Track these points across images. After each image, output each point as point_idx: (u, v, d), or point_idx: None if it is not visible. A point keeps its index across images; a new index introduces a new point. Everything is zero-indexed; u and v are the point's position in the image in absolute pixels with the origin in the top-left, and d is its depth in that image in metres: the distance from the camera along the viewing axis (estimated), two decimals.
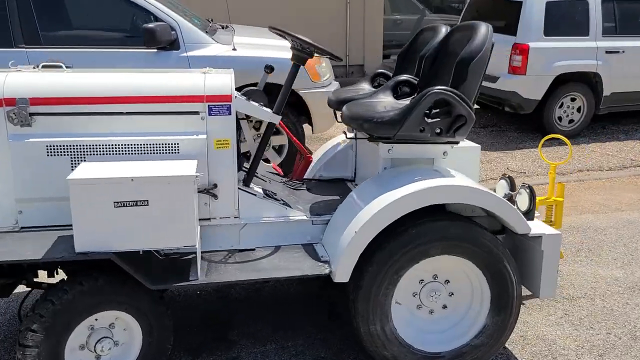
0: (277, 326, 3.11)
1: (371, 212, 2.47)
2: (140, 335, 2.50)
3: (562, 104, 6.81)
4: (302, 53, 2.75)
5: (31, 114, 2.49)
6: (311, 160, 3.29)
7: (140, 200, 2.29)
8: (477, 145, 2.95)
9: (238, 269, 2.54)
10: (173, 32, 4.91)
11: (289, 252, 2.71)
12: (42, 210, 2.52)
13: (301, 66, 2.82)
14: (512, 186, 2.87)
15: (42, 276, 2.67)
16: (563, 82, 6.67)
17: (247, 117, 2.95)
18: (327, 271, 2.51)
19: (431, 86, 2.57)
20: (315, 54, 2.79)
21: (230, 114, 2.65)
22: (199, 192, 2.63)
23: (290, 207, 2.82)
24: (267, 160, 3.16)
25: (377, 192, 2.58)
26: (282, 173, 3.07)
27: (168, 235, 2.34)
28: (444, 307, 2.70)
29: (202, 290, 3.46)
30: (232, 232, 2.75)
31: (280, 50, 5.33)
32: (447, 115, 2.58)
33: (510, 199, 2.82)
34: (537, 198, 3.21)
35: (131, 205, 2.28)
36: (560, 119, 6.88)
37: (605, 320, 3.21)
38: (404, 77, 3.01)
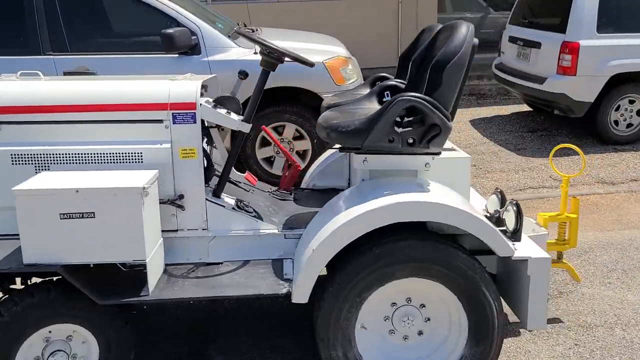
0: (259, 342, 2.98)
1: (330, 228, 2.29)
2: (97, 350, 2.44)
3: (618, 106, 6.25)
4: (270, 58, 2.61)
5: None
6: (300, 170, 3.14)
7: (86, 212, 2.23)
8: (467, 155, 2.69)
9: (195, 284, 2.43)
10: (194, 37, 4.90)
11: (255, 267, 2.58)
12: (7, 219, 2.52)
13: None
14: (502, 202, 2.59)
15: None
16: (619, 83, 6.11)
17: (219, 126, 2.84)
18: (284, 291, 2.35)
19: (416, 91, 2.36)
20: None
21: (195, 122, 2.55)
22: (163, 203, 2.55)
23: (261, 220, 2.68)
24: (242, 170, 3.05)
25: (345, 206, 2.40)
26: (254, 183, 2.93)
27: (116, 249, 2.27)
28: (420, 333, 2.47)
29: (193, 301, 3.39)
30: (200, 245, 2.65)
31: (305, 53, 5.20)
32: (420, 125, 2.35)
33: (499, 217, 2.54)
34: (551, 214, 2.91)
35: (77, 217, 2.23)
36: (616, 122, 6.31)
37: (621, 355, 2.84)
38: (391, 81, 2.80)
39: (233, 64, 5.03)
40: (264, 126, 3.22)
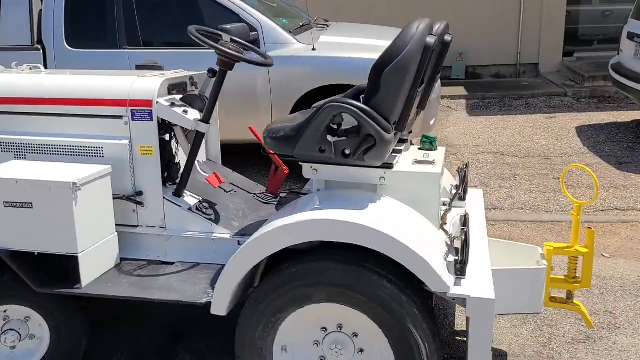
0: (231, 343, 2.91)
1: (248, 242, 2.14)
2: (48, 333, 2.55)
3: None
4: (225, 57, 2.50)
5: None
6: (286, 173, 3.00)
7: (25, 203, 2.33)
8: (436, 171, 2.35)
9: (131, 283, 2.43)
10: (254, 33, 4.93)
11: (200, 272, 2.51)
12: None
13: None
14: (464, 225, 2.23)
15: None
16: None
17: None
18: (204, 300, 2.26)
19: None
20: None
21: (152, 119, 2.54)
22: (119, 198, 2.58)
23: (217, 223, 2.60)
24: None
25: (279, 217, 2.23)
26: (216, 185, 2.84)
27: (51, 240, 2.35)
28: None
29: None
30: (158, 243, 2.66)
31: (366, 51, 5.00)
32: (356, 135, 2.10)
33: (452, 244, 2.20)
34: (558, 246, 2.49)
35: (18, 207, 2.34)
36: None
37: None
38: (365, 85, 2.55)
39: (290, 60, 4.99)
40: (251, 126, 3.12)
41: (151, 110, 2.53)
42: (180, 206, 2.62)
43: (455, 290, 2.02)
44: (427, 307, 2.08)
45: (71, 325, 2.55)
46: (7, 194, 2.33)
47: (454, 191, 2.85)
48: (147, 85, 2.56)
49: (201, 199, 2.73)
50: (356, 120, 2.07)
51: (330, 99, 2.12)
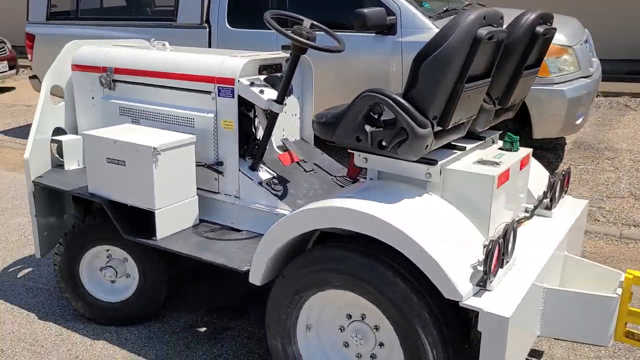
0: None
1: (278, 222, 2.24)
2: (137, 275, 2.95)
3: None
4: (295, 42, 2.58)
5: (114, 81, 3.15)
6: None
7: (120, 160, 2.71)
8: (491, 174, 2.18)
9: (195, 242, 2.69)
10: (392, 17, 4.92)
11: (258, 242, 2.68)
12: None
13: None
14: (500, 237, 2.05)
15: None
16: None
17: None
18: (244, 269, 2.42)
19: None
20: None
21: (233, 97, 2.75)
22: (203, 166, 2.86)
23: (281, 200, 2.74)
24: (285, 149, 3.03)
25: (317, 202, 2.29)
26: (286, 163, 2.93)
27: (135, 194, 2.70)
28: (373, 357, 2.23)
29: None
30: (232, 210, 2.89)
31: None
32: (392, 126, 2.06)
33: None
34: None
35: (115, 163, 2.73)
36: None
37: None
38: None
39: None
40: None
41: (233, 88, 2.74)
42: (252, 179, 2.80)
43: (469, 301, 1.90)
44: (443, 313, 1.99)
45: (154, 272, 2.92)
46: (108, 151, 2.73)
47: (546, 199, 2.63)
48: (233, 64, 2.76)
49: (275, 174, 2.89)
50: (393, 112, 2.03)
51: (369, 88, 2.10)
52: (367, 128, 2.11)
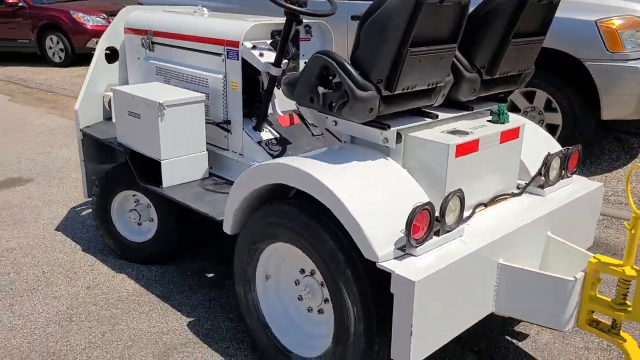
0: None
1: (238, 178, 2.38)
2: (157, 220, 3.28)
3: None
4: (287, 9, 2.66)
5: (152, 43, 3.46)
6: None
7: (136, 113, 3.00)
8: (447, 143, 2.14)
9: (193, 193, 2.92)
10: None
11: None
12: None
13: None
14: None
15: None
16: None
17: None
18: (219, 219, 2.60)
19: None
20: None
21: (238, 59, 2.92)
22: (212, 123, 3.08)
23: (274, 159, 2.88)
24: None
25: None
26: (284, 124, 3.01)
27: (147, 145, 2.99)
28: (320, 312, 2.33)
29: None
30: (237, 167, 3.08)
31: (577, 9, 4.36)
32: (340, 88, 2.10)
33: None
34: (606, 260, 2.09)
35: (133, 116, 3.03)
36: None
37: None
38: None
39: None
40: None
41: (238, 51, 2.90)
42: (253, 138, 2.96)
43: (385, 263, 1.92)
44: (367, 273, 2.02)
45: (168, 219, 3.22)
46: (128, 105, 3.04)
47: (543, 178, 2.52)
48: (239, 28, 2.92)
49: (278, 136, 3.03)
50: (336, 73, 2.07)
51: (319, 50, 2.15)
52: (320, 89, 2.17)
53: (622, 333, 2.16)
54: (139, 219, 3.35)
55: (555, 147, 2.80)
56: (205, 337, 2.71)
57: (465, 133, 2.29)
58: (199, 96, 3.00)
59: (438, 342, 2.01)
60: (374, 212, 2.00)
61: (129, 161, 3.10)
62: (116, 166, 3.36)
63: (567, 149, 2.67)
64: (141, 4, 7.42)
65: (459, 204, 2.10)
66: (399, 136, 2.24)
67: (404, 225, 1.96)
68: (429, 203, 1.96)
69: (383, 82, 2.07)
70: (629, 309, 2.09)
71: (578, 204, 2.60)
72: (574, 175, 2.76)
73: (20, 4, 10.77)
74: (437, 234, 2.05)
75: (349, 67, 2.05)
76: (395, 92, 2.10)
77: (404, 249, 1.97)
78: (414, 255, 1.97)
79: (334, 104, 2.14)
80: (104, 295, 3.08)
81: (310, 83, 2.19)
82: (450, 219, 2.08)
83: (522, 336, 2.71)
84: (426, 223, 1.98)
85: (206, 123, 3.06)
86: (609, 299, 2.15)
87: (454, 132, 2.30)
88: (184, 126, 2.97)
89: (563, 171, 2.64)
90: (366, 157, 2.25)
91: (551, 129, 4.64)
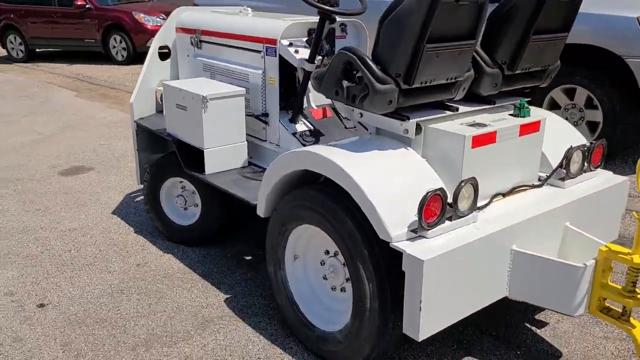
0: None
1: (271, 164, 2.58)
2: (200, 205, 3.54)
3: None
4: (319, 9, 2.83)
5: (200, 41, 3.73)
6: None
7: (183, 106, 3.27)
8: (463, 134, 2.26)
9: (233, 179, 3.15)
10: None
11: None
12: None
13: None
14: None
15: None
16: None
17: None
18: (254, 203, 2.82)
19: None
20: None
21: (275, 55, 3.13)
22: (251, 116, 3.31)
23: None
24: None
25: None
26: (316, 117, 3.18)
27: (193, 136, 3.24)
28: (342, 290, 2.50)
29: None
30: (274, 157, 3.26)
31: (615, 6, 4.34)
32: (362, 82, 2.27)
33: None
34: (618, 248, 2.18)
35: (180, 108, 3.30)
36: None
37: None
38: None
39: None
40: None
41: (275, 48, 3.11)
42: (288, 130, 3.17)
43: (398, 243, 2.07)
44: (382, 253, 2.18)
45: (211, 205, 3.47)
46: (176, 98, 3.30)
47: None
48: (277, 27, 3.13)
49: (312, 128, 3.22)
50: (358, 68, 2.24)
51: (344, 47, 2.32)
52: (345, 83, 2.34)
53: (632, 320, 2.23)
54: (185, 204, 3.62)
55: (579, 141, 2.86)
56: (240, 312, 2.93)
57: (484, 125, 2.41)
58: (240, 90, 3.23)
59: (448, 319, 2.15)
60: (389, 196, 2.15)
61: (176, 150, 3.37)
62: (165, 155, 3.64)
63: (592, 143, 2.74)
64: (196, 5, 7.79)
65: (472, 192, 2.22)
66: (419, 127, 2.39)
67: (417, 208, 2.11)
68: (441, 189, 2.10)
69: (402, 76, 2.22)
70: (638, 296, 2.16)
71: (599, 197, 2.66)
72: (599, 169, 2.82)
73: (87, 6, 11.43)
74: (450, 219, 2.19)
75: (370, 62, 2.22)
76: (413, 86, 2.25)
77: (417, 231, 2.11)
78: (426, 238, 2.12)
79: (356, 97, 2.31)
80: (151, 272, 3.37)
81: (335, 77, 2.37)
82: (463, 205, 2.21)
83: (542, 324, 2.79)
84: (439, 208, 2.12)
85: (246, 115, 3.29)
86: (620, 287, 2.22)
87: (472, 124, 2.43)
88: (225, 118, 3.21)
89: (586, 165, 2.71)
90: (387, 146, 2.40)
91: (592, 126, 4.63)
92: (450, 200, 2.17)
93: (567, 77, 4.57)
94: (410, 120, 2.33)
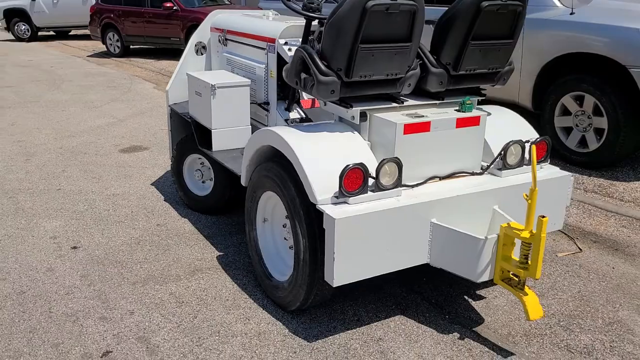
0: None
1: (248, 141, 3.12)
2: (214, 178, 4.15)
3: None
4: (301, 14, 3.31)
5: (226, 39, 4.34)
6: None
7: (199, 92, 3.88)
8: (396, 122, 2.67)
9: (232, 156, 3.72)
10: None
11: None
12: None
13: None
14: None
15: None
16: None
17: None
18: (239, 173, 3.37)
19: None
20: None
21: (274, 52, 3.67)
22: (254, 103, 3.87)
23: None
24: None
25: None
26: (305, 106, 3.65)
27: (205, 118, 3.85)
28: (290, 247, 2.98)
29: None
30: None
31: (632, 19, 4.50)
32: (310, 73, 2.75)
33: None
34: (513, 224, 2.55)
35: (197, 95, 3.92)
36: None
37: None
38: None
39: (543, 24, 4.93)
40: None
41: (274, 46, 3.64)
42: (282, 117, 3.69)
43: (322, 206, 2.54)
44: (314, 214, 2.64)
45: (221, 178, 4.06)
46: (195, 86, 3.93)
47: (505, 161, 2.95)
48: (277, 27, 3.66)
49: (304, 116, 3.72)
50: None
51: (301, 44, 2.80)
52: (302, 75, 2.83)
53: (526, 289, 2.55)
54: (202, 178, 4.24)
55: (528, 136, 3.16)
56: (225, 266, 3.49)
57: (420, 116, 2.82)
58: (245, 81, 3.79)
59: (363, 272, 2.58)
60: (322, 167, 2.62)
61: (194, 129, 3.99)
62: (188, 134, 4.28)
63: (537, 138, 3.05)
64: (260, 9, 8.48)
65: (396, 170, 2.64)
66: (364, 115, 2.83)
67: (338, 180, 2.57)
68: (361, 164, 2.55)
69: (343, 71, 2.68)
70: (527, 266, 2.49)
71: (540, 187, 2.97)
72: (546, 165, 3.12)
73: (174, 8, 12.54)
74: (374, 191, 2.62)
75: (316, 58, 2.69)
76: (353, 79, 2.70)
77: (338, 197, 2.57)
78: (348, 204, 2.57)
79: (307, 86, 2.80)
80: (167, 231, 4.01)
81: (295, 70, 2.86)
82: (386, 180, 2.63)
83: (478, 298, 3.13)
84: (360, 179, 2.56)
85: (251, 103, 3.85)
86: (517, 259, 2.55)
87: (411, 115, 2.84)
88: (231, 104, 3.78)
89: (526, 158, 3.02)
90: (337, 130, 2.86)
91: (599, 133, 4.78)
92: (373, 174, 2.61)
93: (576, 84, 4.76)
94: (354, 108, 2.79)
